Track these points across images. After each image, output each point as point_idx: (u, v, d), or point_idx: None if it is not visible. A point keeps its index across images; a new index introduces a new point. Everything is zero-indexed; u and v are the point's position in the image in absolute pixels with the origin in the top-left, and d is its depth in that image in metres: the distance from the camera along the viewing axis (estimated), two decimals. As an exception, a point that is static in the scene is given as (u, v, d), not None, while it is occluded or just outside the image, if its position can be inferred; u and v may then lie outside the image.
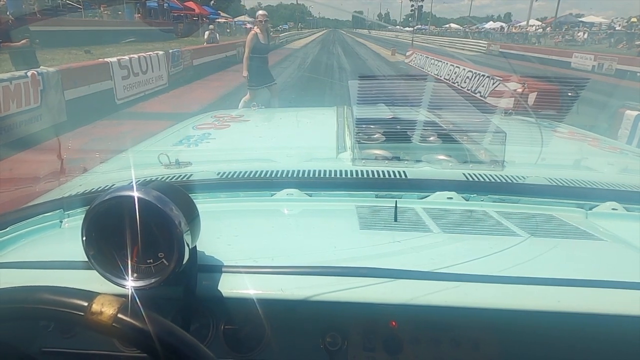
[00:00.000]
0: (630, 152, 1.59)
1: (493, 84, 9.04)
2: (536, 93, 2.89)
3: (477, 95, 9.37)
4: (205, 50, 13.51)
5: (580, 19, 48.06)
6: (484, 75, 9.50)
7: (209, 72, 12.42)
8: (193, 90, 10.09)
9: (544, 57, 21.19)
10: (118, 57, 7.69)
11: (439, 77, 12.98)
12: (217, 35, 15.55)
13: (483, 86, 9.42)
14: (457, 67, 11.60)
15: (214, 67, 13.13)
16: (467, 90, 10.06)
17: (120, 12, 23.71)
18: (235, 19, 49.49)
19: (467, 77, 10.57)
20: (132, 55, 8.33)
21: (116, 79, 7.54)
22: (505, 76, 8.62)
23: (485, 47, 29.16)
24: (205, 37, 14.78)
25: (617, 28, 32.53)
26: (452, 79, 11.60)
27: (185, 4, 35.72)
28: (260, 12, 5.48)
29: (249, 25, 48.52)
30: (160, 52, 9.61)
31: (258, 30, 5.37)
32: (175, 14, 35.53)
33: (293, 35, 46.65)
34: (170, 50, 10.28)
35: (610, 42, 27.44)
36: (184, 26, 31.67)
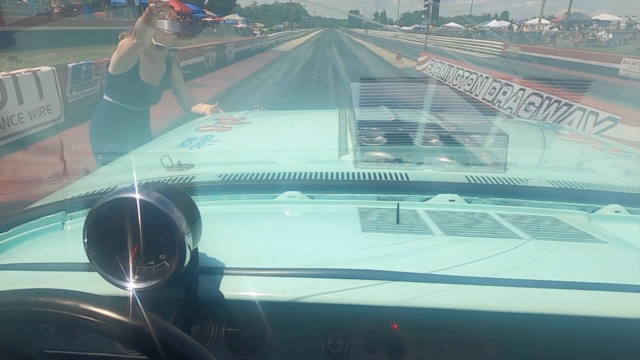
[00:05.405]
0: (633, 155, 1.53)
1: (597, 122, 5.38)
2: None
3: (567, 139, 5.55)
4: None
5: (594, 17, 44.94)
6: (568, 105, 5.84)
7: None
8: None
9: (581, 62, 17.72)
10: None
11: (475, 96, 9.33)
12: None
13: (570, 122, 5.69)
14: (507, 84, 7.96)
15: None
16: (532, 120, 6.33)
17: (75, 10, 19.96)
18: (225, 18, 45.76)
19: (532, 102, 6.91)
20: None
21: None
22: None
23: (499, 48, 25.66)
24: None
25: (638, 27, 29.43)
26: (501, 102, 7.94)
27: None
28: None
29: (240, 25, 45.00)
30: (46, 69, 5.75)
31: (143, 56, 1.89)
32: (154, 12, 32.02)
33: (285, 35, 43.15)
34: (71, 64, 6.47)
35: (644, 43, 24.14)
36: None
